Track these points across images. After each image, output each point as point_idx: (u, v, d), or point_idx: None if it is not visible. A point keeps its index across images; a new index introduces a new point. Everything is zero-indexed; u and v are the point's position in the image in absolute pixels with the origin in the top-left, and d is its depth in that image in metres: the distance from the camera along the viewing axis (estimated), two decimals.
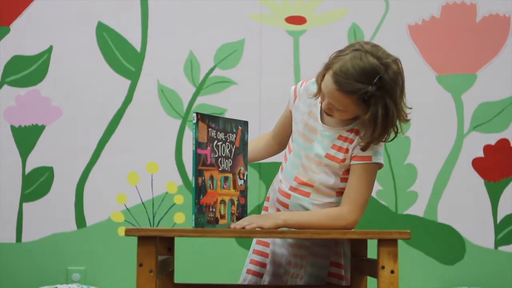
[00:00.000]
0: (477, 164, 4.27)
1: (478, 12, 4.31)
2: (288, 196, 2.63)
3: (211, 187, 2.49)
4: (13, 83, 4.27)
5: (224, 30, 4.30)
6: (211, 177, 2.49)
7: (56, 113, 4.26)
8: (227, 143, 2.52)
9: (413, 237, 2.46)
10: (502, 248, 4.24)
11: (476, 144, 4.27)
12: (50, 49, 4.28)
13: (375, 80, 2.40)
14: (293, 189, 2.62)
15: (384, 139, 2.49)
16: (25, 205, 4.23)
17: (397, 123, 2.48)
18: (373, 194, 4.22)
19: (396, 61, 2.45)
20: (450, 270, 4.23)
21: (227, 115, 4.25)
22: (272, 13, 4.31)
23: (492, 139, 4.27)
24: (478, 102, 4.28)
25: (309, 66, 4.29)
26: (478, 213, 4.24)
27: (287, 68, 4.29)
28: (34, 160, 4.23)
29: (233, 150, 2.52)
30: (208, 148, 2.49)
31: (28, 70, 4.28)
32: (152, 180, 4.23)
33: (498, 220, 4.25)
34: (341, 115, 2.50)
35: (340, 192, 2.59)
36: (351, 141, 2.54)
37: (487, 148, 4.27)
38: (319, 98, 2.58)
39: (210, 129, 2.49)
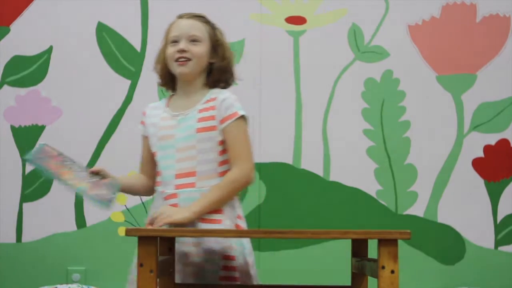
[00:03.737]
0: (477, 164, 4.27)
1: (478, 12, 4.31)
2: (175, 195, 2.68)
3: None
4: (13, 83, 4.27)
5: (224, 30, 4.29)
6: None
7: (56, 113, 4.26)
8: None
9: (413, 237, 2.46)
10: (502, 248, 4.25)
11: (476, 144, 4.27)
12: (50, 49, 4.28)
13: (212, 23, 2.79)
14: (177, 186, 2.67)
15: (232, 79, 2.81)
16: (25, 205, 4.23)
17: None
18: (373, 194, 4.23)
19: None
20: (450, 270, 4.23)
21: None
22: (272, 13, 4.31)
23: (492, 139, 4.28)
24: (478, 102, 4.29)
25: (309, 66, 4.29)
26: (478, 213, 4.25)
27: (287, 68, 4.29)
28: None
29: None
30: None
31: (28, 70, 4.28)
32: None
33: (498, 220, 4.25)
34: (195, 48, 2.69)
35: (222, 172, 2.65)
36: (213, 108, 2.68)
37: (487, 148, 4.27)
38: (165, 104, 2.79)
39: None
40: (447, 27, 4.31)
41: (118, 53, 4.29)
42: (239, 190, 2.68)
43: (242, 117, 2.68)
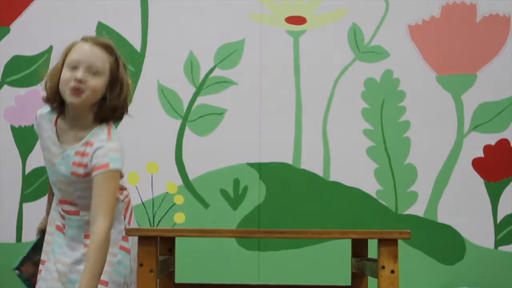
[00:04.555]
0: (477, 164, 4.27)
1: (478, 12, 4.31)
2: (63, 217, 2.65)
3: None
4: (13, 83, 4.27)
5: (224, 30, 4.30)
6: None
7: None
8: None
9: (413, 237, 2.46)
10: (502, 248, 4.25)
11: (476, 144, 4.27)
12: (50, 49, 4.28)
13: (118, 54, 2.59)
14: (64, 211, 2.64)
15: (120, 115, 2.59)
16: (25, 205, 4.23)
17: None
18: (373, 194, 4.23)
19: None
20: (450, 270, 4.23)
21: (227, 115, 4.26)
22: (272, 13, 4.31)
23: (492, 139, 4.28)
24: (478, 102, 4.29)
25: (309, 66, 4.29)
26: (478, 213, 4.24)
27: (287, 68, 4.29)
28: (34, 160, 4.23)
29: None
30: None
31: (28, 70, 4.28)
32: (152, 180, 4.23)
33: (498, 220, 4.25)
34: (93, 81, 2.51)
35: None
36: (88, 154, 2.54)
37: (487, 148, 4.27)
38: (53, 122, 2.60)
39: None
40: (447, 27, 4.31)
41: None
42: (106, 248, 2.46)
43: (114, 169, 2.50)
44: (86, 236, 2.60)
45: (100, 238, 2.42)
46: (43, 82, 2.58)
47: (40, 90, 4.26)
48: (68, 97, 2.51)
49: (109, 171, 2.48)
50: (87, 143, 2.55)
